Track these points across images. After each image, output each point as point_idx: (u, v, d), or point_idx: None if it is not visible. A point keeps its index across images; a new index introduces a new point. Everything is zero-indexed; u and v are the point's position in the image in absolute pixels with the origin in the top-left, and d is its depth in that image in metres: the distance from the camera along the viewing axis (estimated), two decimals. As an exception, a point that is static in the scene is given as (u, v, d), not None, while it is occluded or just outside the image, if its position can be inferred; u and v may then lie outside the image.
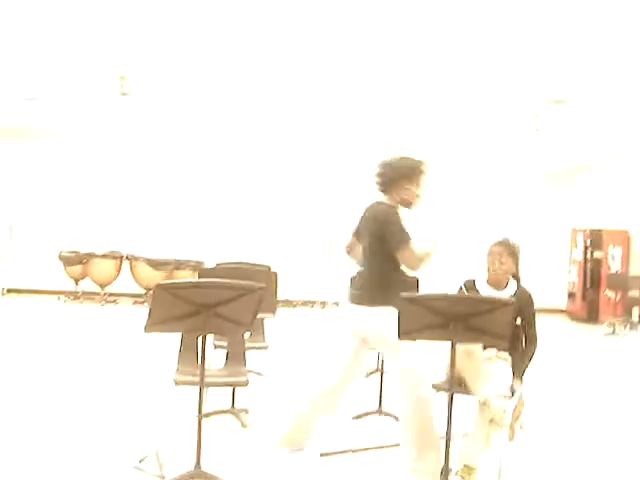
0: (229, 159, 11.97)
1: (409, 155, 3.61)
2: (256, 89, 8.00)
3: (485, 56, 6.30)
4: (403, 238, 3.32)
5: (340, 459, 3.59)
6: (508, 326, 2.88)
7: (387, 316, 3.03)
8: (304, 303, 11.71)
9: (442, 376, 3.56)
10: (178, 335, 3.57)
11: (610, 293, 10.82)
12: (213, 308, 2.80)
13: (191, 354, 3.54)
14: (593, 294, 11.27)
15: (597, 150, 11.01)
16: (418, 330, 2.84)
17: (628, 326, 8.97)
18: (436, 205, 10.41)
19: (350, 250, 3.75)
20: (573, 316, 11.71)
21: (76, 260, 10.55)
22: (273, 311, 4.31)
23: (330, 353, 7.07)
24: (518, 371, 3.44)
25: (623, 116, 8.36)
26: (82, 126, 11.08)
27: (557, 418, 4.71)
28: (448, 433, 2.86)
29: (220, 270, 4.64)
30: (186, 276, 10.35)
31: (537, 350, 3.55)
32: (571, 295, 11.95)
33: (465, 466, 3.24)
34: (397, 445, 3.71)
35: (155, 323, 2.80)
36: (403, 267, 3.39)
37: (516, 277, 3.63)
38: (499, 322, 2.81)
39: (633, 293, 9.99)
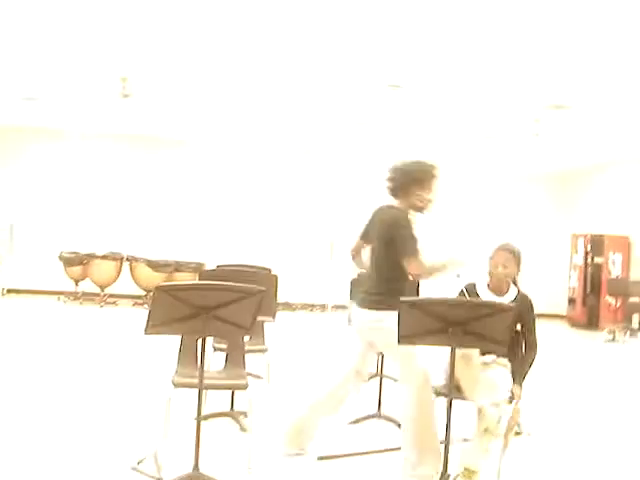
0: (230, 161, 11.99)
1: (421, 159, 3.55)
2: (256, 91, 8.02)
3: (486, 62, 6.31)
4: (411, 246, 3.29)
5: (338, 463, 3.59)
6: (507, 331, 2.87)
7: (393, 320, 3.02)
8: (304, 306, 11.71)
9: (441, 380, 3.56)
10: (178, 337, 3.57)
11: (610, 299, 10.81)
12: (213, 311, 2.79)
13: (191, 356, 3.53)
14: (593, 300, 11.26)
15: (597, 155, 11.02)
16: (417, 335, 2.84)
17: (628, 333, 8.95)
18: (437, 209, 10.38)
19: (355, 254, 3.73)
20: (573, 322, 11.70)
21: (76, 261, 10.55)
22: (273, 315, 4.30)
23: (330, 356, 7.08)
24: (518, 377, 3.43)
25: (623, 121, 8.37)
26: (83, 127, 11.10)
27: (556, 424, 4.70)
28: (447, 438, 2.85)
29: (221, 272, 4.64)
30: (186, 278, 10.35)
31: (537, 356, 3.55)
32: (571, 301, 11.94)
33: (466, 469, 3.24)
34: (396, 449, 3.71)
35: (155, 325, 2.80)
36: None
37: (515, 282, 3.62)
38: (498, 327, 2.80)
39: (634, 299, 9.98)
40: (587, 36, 5.47)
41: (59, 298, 10.70)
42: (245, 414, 4.15)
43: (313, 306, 11.78)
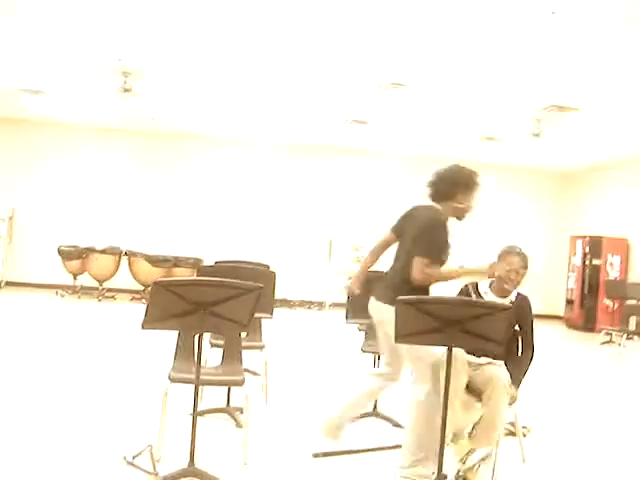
0: (230, 157, 11.98)
1: (463, 166, 3.51)
2: (257, 88, 8.01)
3: (486, 63, 6.32)
4: (430, 249, 3.26)
5: (333, 460, 3.59)
6: (505, 331, 2.87)
7: None
8: (302, 303, 11.72)
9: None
10: (175, 332, 3.57)
11: (608, 301, 10.83)
12: (211, 307, 2.80)
13: (188, 352, 3.54)
14: (591, 302, 11.28)
15: (597, 157, 11.02)
16: (414, 334, 2.84)
17: (625, 335, 8.96)
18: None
19: (380, 248, 3.65)
20: (570, 323, 11.72)
21: (75, 255, 10.55)
22: (271, 311, 4.31)
23: (327, 354, 7.08)
24: (515, 379, 3.44)
25: (623, 123, 8.37)
26: (84, 120, 11.09)
27: (551, 424, 4.71)
28: (442, 438, 2.86)
29: (219, 268, 4.64)
30: (185, 273, 10.36)
31: (533, 358, 3.56)
32: (569, 302, 11.95)
33: (454, 434, 3.28)
34: (392, 448, 3.72)
35: (152, 320, 2.81)
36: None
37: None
38: (495, 327, 2.80)
39: (631, 302, 9.98)
40: (587, 37, 5.48)
41: (57, 292, 10.70)
42: (241, 410, 4.15)
43: (311, 303, 11.79)
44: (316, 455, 3.61)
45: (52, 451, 3.34)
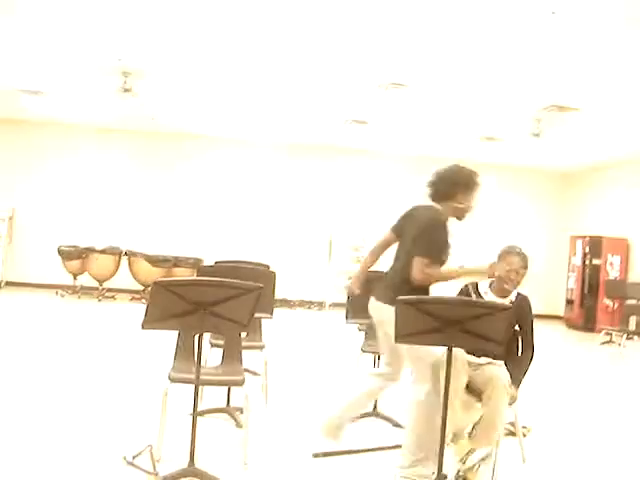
0: (230, 157, 11.98)
1: (463, 166, 3.51)
2: (256, 87, 8.01)
3: (486, 64, 6.32)
4: (429, 249, 3.27)
5: (333, 460, 3.59)
6: (504, 331, 2.87)
7: None
8: (302, 303, 11.72)
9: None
10: (175, 332, 3.57)
11: (608, 301, 10.83)
12: (211, 307, 2.80)
13: (188, 352, 3.54)
14: (591, 301, 11.28)
15: (597, 157, 11.02)
16: (414, 334, 2.84)
17: (625, 335, 8.96)
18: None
19: (380, 248, 3.66)
20: (570, 323, 11.72)
21: (75, 255, 10.55)
22: (271, 311, 4.30)
23: (327, 354, 7.08)
24: (515, 379, 3.44)
25: (624, 123, 8.37)
26: (84, 120, 11.09)
27: (550, 424, 4.71)
28: (442, 438, 2.86)
29: (219, 268, 4.64)
30: (185, 273, 10.36)
31: (533, 358, 3.56)
32: (569, 302, 11.95)
33: (454, 434, 3.28)
34: (391, 448, 3.72)
35: (152, 320, 2.81)
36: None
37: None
38: (495, 327, 2.80)
39: (631, 301, 9.98)
40: (587, 37, 5.48)
41: (57, 292, 10.70)
42: (241, 410, 4.15)
43: (311, 303, 11.79)
44: (316, 455, 3.61)
45: (52, 451, 3.34)
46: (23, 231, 11.31)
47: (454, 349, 2.91)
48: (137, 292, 10.71)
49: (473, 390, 3.42)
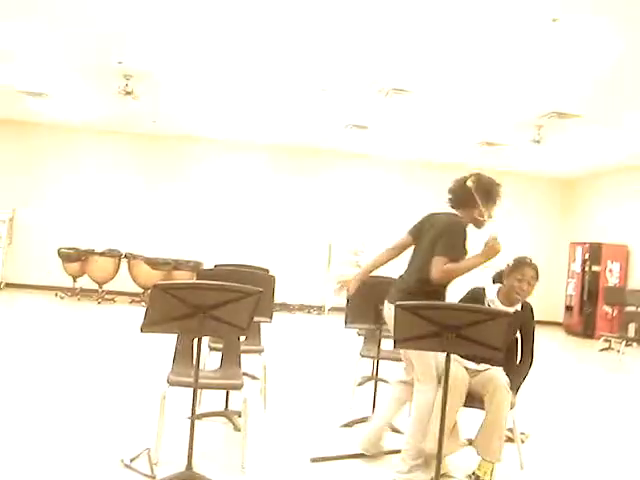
0: (230, 160, 12.00)
1: (486, 175, 3.55)
2: (257, 91, 8.03)
3: (489, 69, 6.34)
4: (450, 250, 3.28)
5: (331, 465, 3.59)
6: (504, 338, 2.86)
7: None
8: (301, 308, 11.71)
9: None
10: (174, 335, 3.57)
11: (607, 308, 10.82)
12: (210, 310, 2.80)
13: (186, 355, 3.54)
14: (590, 308, 11.27)
15: (597, 164, 11.04)
16: (412, 339, 2.84)
17: (624, 342, 8.95)
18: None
19: (395, 251, 3.66)
20: (569, 330, 11.71)
21: (75, 257, 10.56)
22: (270, 315, 4.30)
23: (326, 359, 7.08)
24: (514, 385, 3.43)
25: (624, 130, 8.39)
26: (85, 123, 11.11)
27: (549, 431, 4.71)
28: (440, 443, 2.85)
29: (218, 272, 4.64)
30: (184, 277, 10.36)
31: (533, 365, 3.56)
32: (568, 308, 11.95)
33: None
34: (389, 453, 3.72)
35: (151, 323, 2.81)
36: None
37: None
38: (494, 333, 2.79)
39: (630, 308, 9.98)
40: (588, 45, 5.49)
41: (57, 294, 10.70)
42: (239, 414, 4.15)
43: (310, 307, 11.78)
44: (314, 460, 3.61)
45: (50, 453, 3.34)
46: (23, 233, 11.32)
47: (459, 377, 2.91)
48: (137, 295, 10.71)
49: (474, 397, 3.41)
